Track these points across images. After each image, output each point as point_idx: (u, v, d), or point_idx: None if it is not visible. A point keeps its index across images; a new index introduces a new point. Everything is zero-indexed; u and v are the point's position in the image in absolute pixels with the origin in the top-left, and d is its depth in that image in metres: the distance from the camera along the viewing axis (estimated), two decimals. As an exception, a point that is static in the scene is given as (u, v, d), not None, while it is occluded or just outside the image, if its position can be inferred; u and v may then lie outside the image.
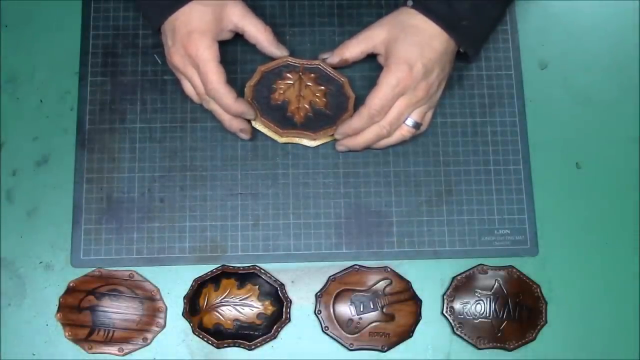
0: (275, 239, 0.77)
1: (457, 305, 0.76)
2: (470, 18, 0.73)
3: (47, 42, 0.81)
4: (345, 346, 0.75)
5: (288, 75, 0.78)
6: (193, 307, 0.75)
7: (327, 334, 0.75)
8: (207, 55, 0.72)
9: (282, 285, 0.76)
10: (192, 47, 0.72)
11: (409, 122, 0.75)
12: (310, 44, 0.81)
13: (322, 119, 0.77)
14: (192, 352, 0.75)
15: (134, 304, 0.75)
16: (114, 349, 0.75)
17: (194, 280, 0.76)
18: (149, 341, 0.75)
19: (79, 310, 0.75)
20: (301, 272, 0.77)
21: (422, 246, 0.77)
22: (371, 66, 0.78)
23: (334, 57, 0.77)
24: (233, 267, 0.76)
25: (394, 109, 0.74)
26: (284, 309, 0.75)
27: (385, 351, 0.75)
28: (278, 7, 0.82)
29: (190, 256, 0.77)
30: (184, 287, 0.76)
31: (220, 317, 0.75)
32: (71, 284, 0.76)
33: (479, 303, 0.76)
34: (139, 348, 0.75)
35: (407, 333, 0.75)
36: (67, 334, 0.75)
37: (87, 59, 0.80)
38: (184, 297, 0.76)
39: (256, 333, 0.75)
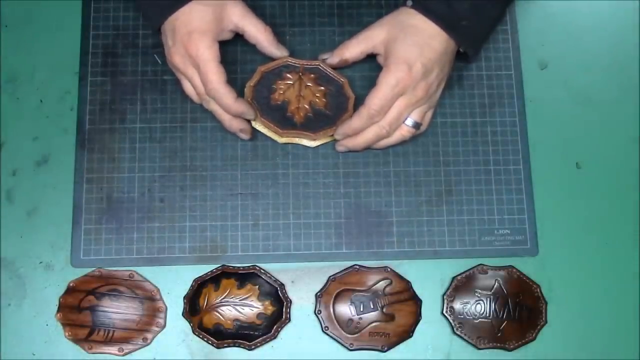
0: (275, 239, 0.77)
1: (457, 305, 0.76)
2: (469, 18, 0.73)
3: (47, 42, 0.81)
4: (345, 346, 0.75)
5: (288, 75, 0.78)
6: (193, 307, 0.75)
7: (327, 334, 0.75)
8: (208, 55, 0.72)
9: (282, 285, 0.76)
10: (193, 47, 0.72)
11: (409, 122, 0.75)
12: (310, 44, 0.81)
13: (322, 119, 0.77)
14: (192, 352, 0.75)
15: (134, 304, 0.75)
16: (114, 349, 0.75)
17: (194, 280, 0.76)
18: (149, 341, 0.75)
19: (79, 310, 0.75)
20: (301, 272, 0.77)
21: (422, 246, 0.77)
22: (371, 66, 0.78)
23: (334, 58, 0.77)
24: (233, 267, 0.76)
25: (393, 109, 0.74)
26: (284, 309, 0.75)
27: (385, 351, 0.75)
28: (278, 7, 0.82)
29: (190, 256, 0.76)
30: (184, 287, 0.76)
31: (220, 317, 0.75)
32: (71, 284, 0.76)
33: (479, 303, 0.76)
34: (139, 348, 0.75)
35: (407, 333, 0.75)
36: (67, 334, 0.75)
37: (87, 59, 0.81)
38: (184, 297, 0.76)
39: (256, 333, 0.75)
